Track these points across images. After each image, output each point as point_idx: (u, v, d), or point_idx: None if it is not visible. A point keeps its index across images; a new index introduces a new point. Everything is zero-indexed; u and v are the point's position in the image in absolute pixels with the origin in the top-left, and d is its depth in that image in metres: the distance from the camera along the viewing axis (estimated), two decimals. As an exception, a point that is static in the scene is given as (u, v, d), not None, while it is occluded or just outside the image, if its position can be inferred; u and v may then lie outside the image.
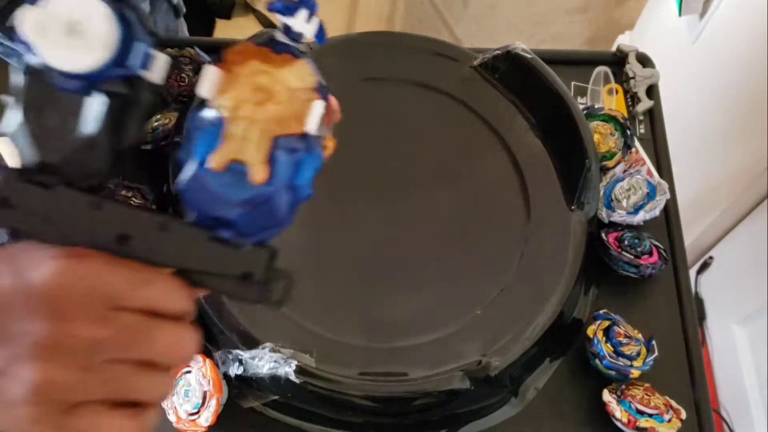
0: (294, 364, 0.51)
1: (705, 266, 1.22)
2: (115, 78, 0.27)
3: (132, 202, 0.62)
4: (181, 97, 0.68)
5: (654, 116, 0.73)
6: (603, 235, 0.62)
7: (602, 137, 0.65)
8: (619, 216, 0.63)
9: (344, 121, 0.65)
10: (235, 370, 0.54)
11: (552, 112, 0.62)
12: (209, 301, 0.56)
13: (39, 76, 0.27)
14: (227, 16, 1.65)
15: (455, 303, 0.57)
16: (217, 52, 0.64)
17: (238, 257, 0.29)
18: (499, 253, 0.59)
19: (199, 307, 0.58)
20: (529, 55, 0.63)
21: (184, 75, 0.69)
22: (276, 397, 0.55)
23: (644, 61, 0.74)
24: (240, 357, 0.53)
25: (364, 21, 1.65)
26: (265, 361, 0.51)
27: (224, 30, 1.63)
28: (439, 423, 0.57)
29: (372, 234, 0.60)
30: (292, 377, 0.51)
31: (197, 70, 0.69)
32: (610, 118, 0.66)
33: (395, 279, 0.58)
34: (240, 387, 0.57)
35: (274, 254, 0.31)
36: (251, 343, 0.53)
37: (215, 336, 0.58)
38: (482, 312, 0.56)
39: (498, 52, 0.64)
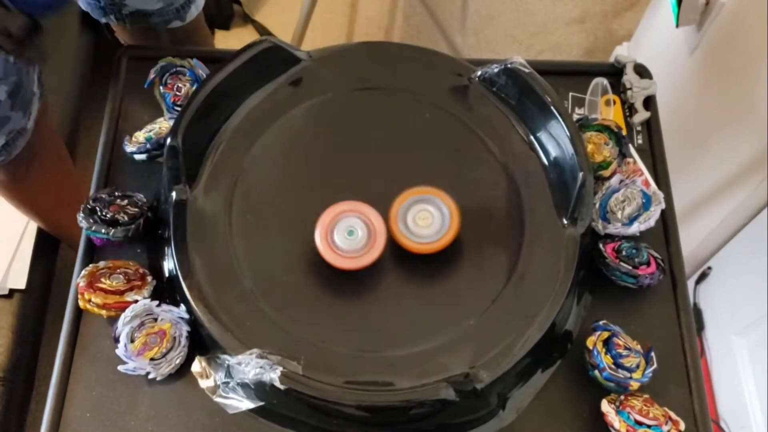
0: (279, 370, 0.51)
1: (703, 276, 1.22)
2: None
3: (127, 210, 0.62)
4: (175, 106, 0.69)
5: (651, 127, 0.73)
6: (601, 245, 0.62)
7: (596, 147, 0.66)
8: (614, 228, 0.62)
9: (341, 130, 0.66)
10: (221, 375, 0.54)
11: (548, 127, 0.63)
12: (199, 305, 0.55)
13: None
14: (226, 27, 1.65)
15: (445, 315, 0.57)
16: (216, 62, 0.65)
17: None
18: (491, 266, 0.59)
19: (188, 310, 0.58)
20: (526, 70, 0.63)
21: (180, 85, 0.69)
22: (263, 404, 0.55)
23: (642, 71, 0.74)
24: (227, 362, 0.53)
25: (363, 31, 1.66)
26: (251, 367, 0.51)
27: (223, 40, 1.64)
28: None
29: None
30: (277, 383, 0.50)
31: (194, 82, 0.69)
32: (603, 128, 0.66)
33: (386, 289, 0.58)
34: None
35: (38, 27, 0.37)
36: (239, 349, 0.53)
37: (203, 340, 0.58)
38: (472, 325, 0.56)
39: (496, 66, 0.64)
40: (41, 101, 0.78)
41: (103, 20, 0.82)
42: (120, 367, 0.57)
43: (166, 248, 0.61)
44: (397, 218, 0.58)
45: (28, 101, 0.74)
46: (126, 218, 0.62)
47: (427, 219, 0.58)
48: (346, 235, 0.56)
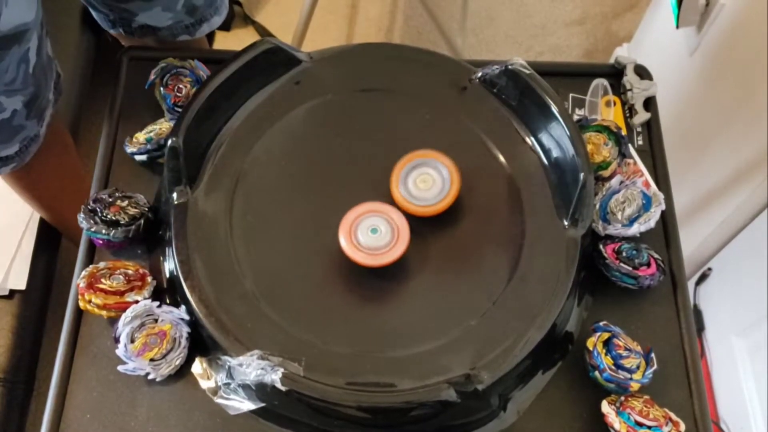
0: (281, 371, 0.51)
1: (703, 277, 1.22)
2: None
3: (128, 211, 0.62)
4: (176, 107, 0.69)
5: (652, 128, 0.73)
6: (601, 246, 0.62)
7: (596, 147, 0.66)
8: (614, 229, 0.62)
9: (341, 131, 0.66)
10: (222, 376, 0.54)
11: (548, 129, 0.63)
12: (200, 306, 0.55)
13: None
14: (226, 28, 1.65)
15: (446, 316, 0.57)
16: (217, 63, 0.65)
17: None
18: (491, 268, 0.59)
19: (189, 311, 0.58)
20: (527, 71, 0.63)
21: (181, 86, 0.69)
22: (264, 405, 0.55)
23: (642, 73, 0.74)
24: (228, 363, 0.53)
25: (363, 32, 1.66)
26: (252, 369, 0.51)
27: (224, 41, 1.64)
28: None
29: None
30: (278, 385, 0.50)
31: (195, 83, 0.69)
32: (602, 129, 0.66)
33: (387, 290, 0.58)
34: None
35: None
36: (240, 350, 0.53)
37: (204, 341, 0.58)
38: (473, 326, 0.56)
39: (497, 67, 0.64)
40: (55, 106, 0.78)
41: (112, 32, 0.82)
42: (119, 367, 0.57)
43: (166, 249, 0.61)
44: (399, 184, 0.59)
45: (43, 109, 0.74)
46: (126, 219, 0.62)
47: (428, 182, 0.59)
48: (370, 233, 0.56)
